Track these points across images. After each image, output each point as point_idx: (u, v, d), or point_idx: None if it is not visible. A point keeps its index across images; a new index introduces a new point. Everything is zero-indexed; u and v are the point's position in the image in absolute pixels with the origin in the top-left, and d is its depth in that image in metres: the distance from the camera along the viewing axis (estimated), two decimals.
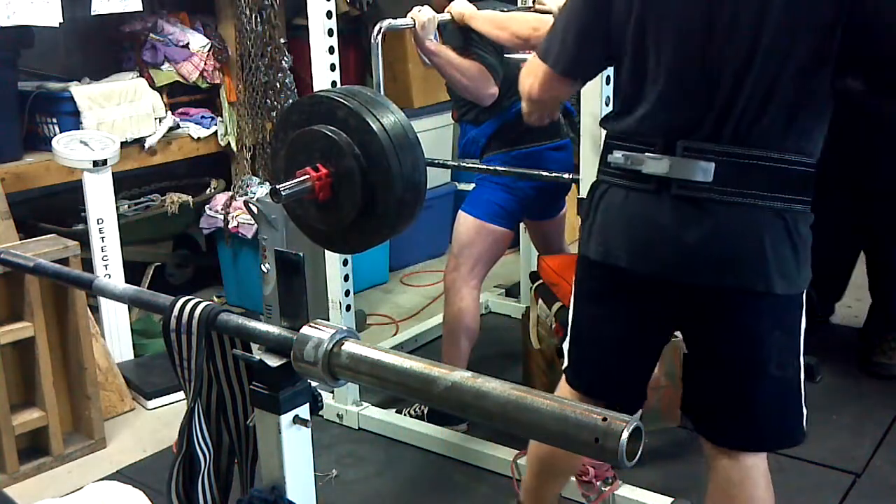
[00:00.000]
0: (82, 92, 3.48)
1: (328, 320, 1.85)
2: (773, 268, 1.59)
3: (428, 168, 2.05)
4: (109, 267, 3.24)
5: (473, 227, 2.87)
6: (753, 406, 1.70)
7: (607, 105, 2.19)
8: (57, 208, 3.64)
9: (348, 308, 2.88)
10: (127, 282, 2.91)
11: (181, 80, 3.88)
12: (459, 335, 2.87)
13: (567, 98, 1.94)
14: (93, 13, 3.38)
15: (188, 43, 3.87)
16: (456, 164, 3.08)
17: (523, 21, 2.58)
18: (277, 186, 2.21)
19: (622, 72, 1.70)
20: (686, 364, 1.82)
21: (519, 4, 3.34)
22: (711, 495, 1.82)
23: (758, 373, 1.67)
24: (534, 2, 3.15)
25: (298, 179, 2.22)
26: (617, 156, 1.67)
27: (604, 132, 1.80)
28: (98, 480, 2.37)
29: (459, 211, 2.96)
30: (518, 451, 2.63)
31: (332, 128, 2.22)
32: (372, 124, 2.21)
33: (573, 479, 2.49)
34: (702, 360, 1.76)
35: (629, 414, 0.93)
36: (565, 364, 1.92)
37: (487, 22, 2.66)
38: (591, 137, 2.39)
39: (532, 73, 1.84)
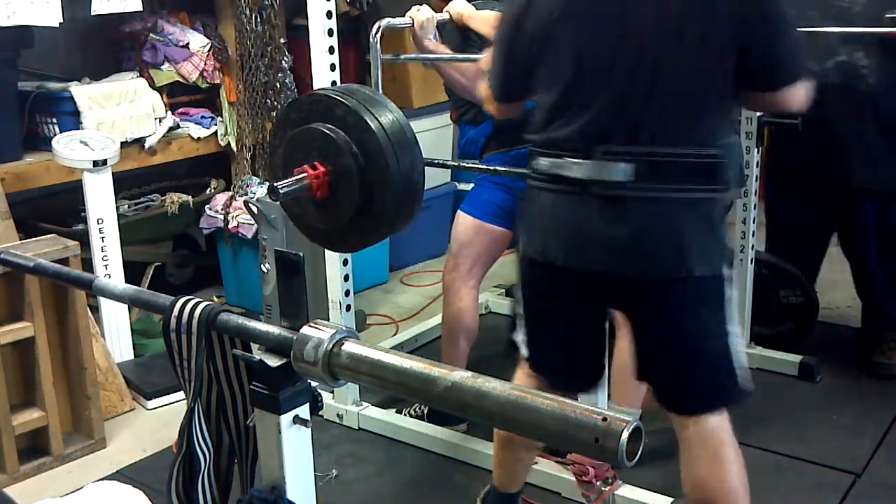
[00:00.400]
0: (82, 92, 3.48)
1: (328, 320, 1.85)
2: (693, 254, 1.75)
3: (427, 168, 2.05)
4: (109, 267, 3.24)
5: (472, 227, 2.87)
6: (693, 377, 1.88)
7: None
8: (57, 208, 3.64)
9: (348, 308, 2.88)
10: (127, 282, 2.91)
11: (181, 80, 3.88)
12: (458, 335, 2.87)
13: (518, 112, 2.09)
14: (93, 13, 3.38)
15: (188, 43, 3.87)
16: (455, 164, 3.08)
17: None
18: (275, 184, 2.21)
19: (542, 87, 1.86)
20: (634, 343, 1.95)
21: None
22: (683, 459, 1.94)
23: (691, 348, 1.85)
24: None
25: (296, 178, 2.22)
26: (543, 162, 1.83)
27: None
28: (98, 480, 2.37)
29: (458, 211, 2.96)
30: None
31: (330, 126, 2.22)
32: (370, 123, 2.21)
33: (573, 479, 2.50)
34: (643, 340, 1.91)
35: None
36: (525, 354, 2.05)
37: (486, 22, 2.67)
38: None
39: (485, 97, 2.06)
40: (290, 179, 2.22)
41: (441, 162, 3.11)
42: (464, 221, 2.91)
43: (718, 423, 1.90)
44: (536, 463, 2.62)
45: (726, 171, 1.79)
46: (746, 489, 1.91)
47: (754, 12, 1.69)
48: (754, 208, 3.19)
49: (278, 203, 2.09)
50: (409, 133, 2.28)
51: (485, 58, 2.26)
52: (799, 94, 1.78)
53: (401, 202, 2.26)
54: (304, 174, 2.21)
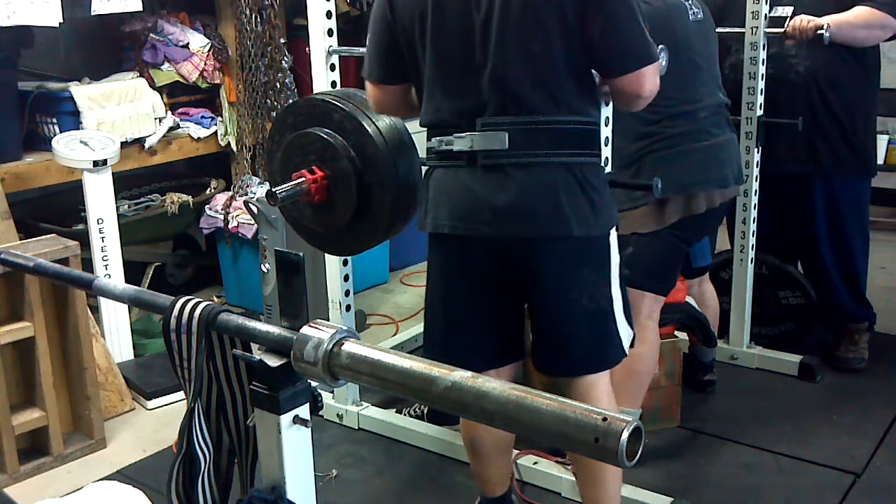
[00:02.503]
0: (82, 92, 3.48)
1: (328, 320, 1.85)
2: (570, 215, 1.87)
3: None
4: (109, 267, 3.24)
5: None
6: (571, 337, 1.99)
7: (606, 105, 2.21)
8: (57, 208, 3.64)
9: (348, 308, 2.88)
10: (127, 282, 2.91)
11: (181, 80, 3.88)
12: None
13: (395, 104, 2.12)
14: (93, 13, 3.38)
15: (188, 43, 3.88)
16: None
17: None
18: (273, 189, 2.20)
19: (419, 73, 1.96)
20: (529, 312, 2.06)
21: None
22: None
23: (572, 307, 1.95)
24: None
25: (294, 182, 2.22)
26: (433, 141, 1.95)
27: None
28: (98, 480, 2.37)
29: None
30: (518, 451, 2.63)
31: (327, 130, 2.22)
32: (367, 127, 2.21)
33: (573, 479, 2.50)
34: (532, 304, 2.03)
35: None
36: (428, 343, 2.14)
37: None
38: None
39: (367, 91, 2.12)
40: (288, 184, 2.22)
41: None
42: None
43: (596, 383, 2.02)
44: (536, 463, 2.62)
45: (597, 138, 1.98)
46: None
47: None
48: (754, 208, 3.19)
49: (274, 206, 2.09)
50: (406, 137, 2.28)
51: None
52: (648, 79, 1.88)
53: (398, 206, 2.26)
54: (302, 178, 2.21)
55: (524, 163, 1.87)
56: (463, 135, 1.89)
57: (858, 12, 3.03)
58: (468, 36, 1.86)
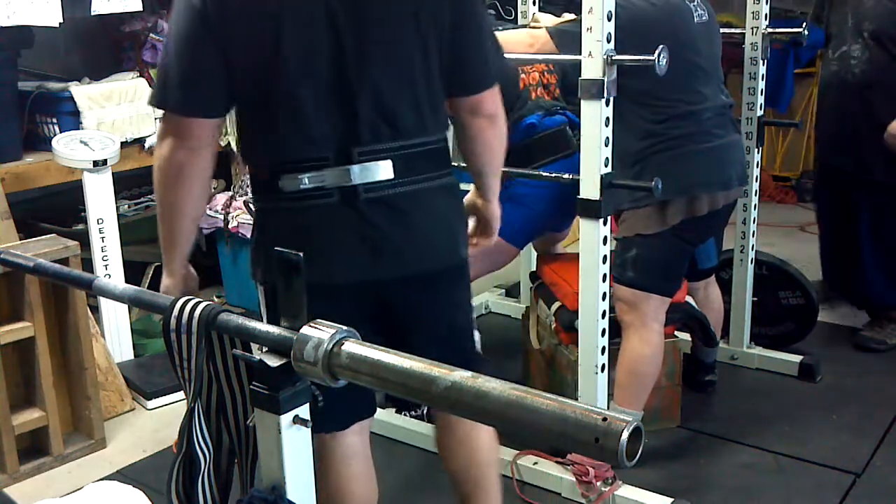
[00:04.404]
0: (82, 92, 3.48)
1: None
2: (459, 238, 1.82)
3: None
4: (109, 267, 3.24)
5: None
6: (449, 351, 1.68)
7: (607, 105, 2.21)
8: (57, 208, 3.64)
9: None
10: (127, 282, 2.91)
11: None
12: None
13: (214, 147, 1.74)
14: (93, 13, 3.38)
15: None
16: (455, 164, 3.08)
17: (519, 41, 2.60)
18: None
19: (257, 104, 1.68)
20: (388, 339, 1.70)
21: (519, 22, 3.35)
22: (438, 425, 2.01)
23: (466, 327, 1.91)
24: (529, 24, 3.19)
25: None
26: (288, 179, 1.67)
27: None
28: (98, 480, 2.38)
29: None
30: (518, 452, 2.63)
31: None
32: None
33: (573, 479, 2.50)
34: (418, 341, 1.74)
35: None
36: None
37: None
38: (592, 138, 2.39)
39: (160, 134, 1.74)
40: None
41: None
42: None
43: None
44: (536, 463, 2.62)
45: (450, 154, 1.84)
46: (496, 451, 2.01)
47: (461, 10, 1.72)
48: (754, 208, 3.19)
49: None
50: None
51: None
52: (496, 98, 1.82)
53: None
54: None
55: (411, 191, 1.70)
56: (339, 168, 1.65)
57: None
58: (337, 59, 1.63)
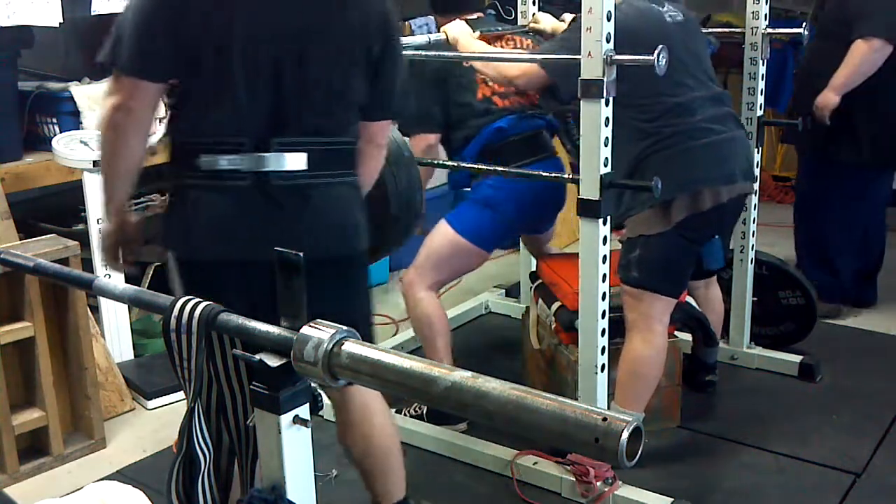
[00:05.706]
0: (82, 92, 3.47)
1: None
2: (361, 230, 1.95)
3: (425, 168, 2.05)
4: (109, 267, 3.23)
5: (451, 240, 2.90)
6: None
7: (606, 105, 2.20)
8: (57, 208, 3.63)
9: None
10: (127, 282, 2.91)
11: None
12: (434, 338, 2.89)
13: (153, 110, 1.87)
14: (93, 13, 3.38)
15: None
16: (455, 164, 3.08)
17: (513, 65, 2.62)
18: None
19: (197, 81, 1.80)
20: None
21: (519, 23, 3.34)
22: (339, 419, 2.18)
23: (365, 315, 2.05)
24: (529, 25, 3.20)
25: None
26: (207, 159, 1.79)
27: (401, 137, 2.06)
28: (98, 480, 2.37)
29: (442, 219, 2.95)
30: (518, 451, 2.63)
31: None
32: None
33: (573, 479, 2.50)
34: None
35: None
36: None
37: (476, 50, 2.78)
38: (592, 138, 2.39)
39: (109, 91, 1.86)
40: None
41: (439, 161, 3.10)
42: (444, 232, 2.92)
43: (376, 397, 2.12)
44: (536, 463, 2.62)
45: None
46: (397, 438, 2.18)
47: (389, 45, 1.92)
48: (754, 208, 3.19)
49: None
50: (406, 152, 2.28)
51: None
52: (386, 132, 2.05)
53: (398, 220, 2.27)
54: None
55: (321, 183, 1.86)
56: (254, 154, 1.77)
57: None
58: (278, 60, 1.78)
